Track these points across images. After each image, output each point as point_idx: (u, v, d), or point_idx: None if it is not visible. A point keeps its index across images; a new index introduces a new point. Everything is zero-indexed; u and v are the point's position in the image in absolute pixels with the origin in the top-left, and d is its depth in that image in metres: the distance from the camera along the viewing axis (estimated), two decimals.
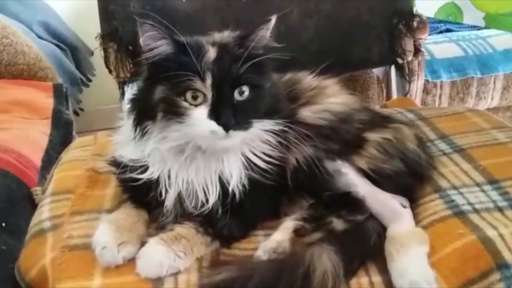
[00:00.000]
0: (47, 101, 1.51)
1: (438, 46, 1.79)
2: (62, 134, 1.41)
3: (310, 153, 0.75)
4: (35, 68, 1.60)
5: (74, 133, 1.51)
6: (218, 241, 0.72)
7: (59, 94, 1.56)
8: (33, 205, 0.98)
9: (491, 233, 0.68)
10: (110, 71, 1.22)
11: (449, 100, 1.77)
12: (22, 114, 1.41)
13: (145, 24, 0.69)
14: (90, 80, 2.00)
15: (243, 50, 0.71)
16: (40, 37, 1.80)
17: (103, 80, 1.91)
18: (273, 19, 0.72)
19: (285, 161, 0.76)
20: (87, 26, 1.76)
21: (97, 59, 1.91)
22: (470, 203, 0.75)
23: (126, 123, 0.77)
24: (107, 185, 0.84)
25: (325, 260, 0.66)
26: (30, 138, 1.30)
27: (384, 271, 0.68)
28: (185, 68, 0.68)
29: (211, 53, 0.70)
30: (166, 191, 0.72)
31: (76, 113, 1.84)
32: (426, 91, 1.68)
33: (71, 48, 1.92)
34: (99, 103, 2.13)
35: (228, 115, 0.68)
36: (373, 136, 0.80)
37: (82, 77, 1.94)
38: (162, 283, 0.66)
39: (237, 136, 0.69)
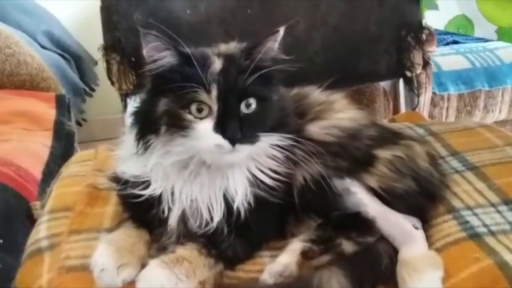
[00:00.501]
0: (49, 112, 1.49)
1: (445, 58, 1.77)
2: (63, 146, 1.39)
3: (318, 170, 0.72)
4: (37, 79, 1.59)
5: (76, 144, 1.49)
6: (222, 263, 0.69)
7: (62, 105, 1.54)
8: (31, 220, 0.96)
9: (508, 257, 0.65)
10: (112, 83, 1.20)
11: (457, 113, 1.75)
12: (23, 125, 1.39)
13: (149, 35, 0.66)
14: (93, 90, 1.99)
15: (250, 61, 0.68)
16: (43, 47, 1.79)
17: (107, 90, 1.88)
18: (282, 30, 0.70)
19: (292, 178, 0.73)
20: (91, 35, 1.74)
21: (101, 69, 1.91)
22: (485, 225, 0.72)
23: (128, 137, 0.74)
24: (107, 203, 0.81)
25: (334, 284, 0.64)
26: (31, 150, 1.27)
27: None
28: (189, 80, 0.65)
29: (217, 64, 0.68)
30: (169, 208, 0.70)
31: (78, 123, 1.83)
32: (433, 103, 1.66)
33: (74, 57, 1.92)
34: (102, 113, 2.12)
35: (235, 128, 0.65)
36: (384, 153, 0.77)
37: (86, 87, 1.93)
38: None
39: (243, 150, 0.67)
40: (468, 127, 1.02)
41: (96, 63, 2.01)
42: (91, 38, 1.80)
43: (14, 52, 1.55)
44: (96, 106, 2.07)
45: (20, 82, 1.57)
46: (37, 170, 1.21)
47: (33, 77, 1.58)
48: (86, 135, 1.84)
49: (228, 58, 0.70)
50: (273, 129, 0.70)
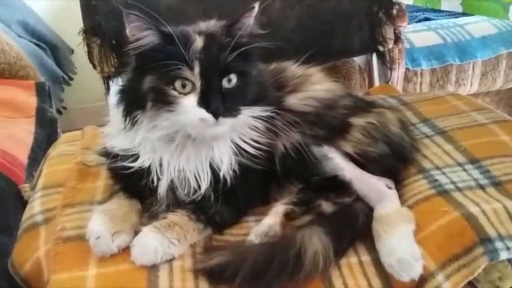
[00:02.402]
0: (30, 100, 1.49)
1: (417, 35, 1.81)
2: (47, 132, 1.40)
3: (297, 139, 0.77)
4: (16, 67, 1.59)
5: (59, 130, 1.50)
6: (210, 227, 0.74)
7: (42, 92, 1.55)
8: (22, 203, 0.98)
9: (473, 209, 0.70)
10: (94, 66, 1.22)
11: (430, 88, 1.80)
12: (5, 113, 1.40)
13: (131, 15, 0.69)
14: (71, 79, 1.99)
15: (230, 39, 0.72)
16: (19, 36, 1.77)
17: (85, 79, 1.91)
18: (256, 6, 0.74)
19: (273, 147, 0.78)
20: (66, 24, 1.75)
21: (79, 58, 1.91)
22: (453, 182, 0.77)
23: (115, 114, 0.77)
24: (98, 178, 0.85)
25: (315, 241, 0.68)
26: (15, 136, 1.29)
27: (373, 250, 0.70)
28: (173, 58, 0.68)
29: (199, 42, 0.71)
30: (158, 179, 0.73)
31: (59, 111, 1.83)
32: (407, 79, 1.70)
33: (51, 47, 1.90)
34: (82, 101, 2.11)
35: (217, 102, 0.69)
36: (358, 121, 0.82)
37: (64, 75, 1.93)
38: (157, 270, 0.67)
39: (226, 123, 0.70)
40: (437, 96, 1.08)
41: (72, 51, 2.01)
42: (66, 27, 1.82)
43: None
44: (76, 95, 2.07)
45: None
46: (23, 156, 1.22)
47: (11, 65, 1.58)
48: (67, 123, 1.84)
49: (209, 36, 0.73)
50: (254, 102, 0.74)
